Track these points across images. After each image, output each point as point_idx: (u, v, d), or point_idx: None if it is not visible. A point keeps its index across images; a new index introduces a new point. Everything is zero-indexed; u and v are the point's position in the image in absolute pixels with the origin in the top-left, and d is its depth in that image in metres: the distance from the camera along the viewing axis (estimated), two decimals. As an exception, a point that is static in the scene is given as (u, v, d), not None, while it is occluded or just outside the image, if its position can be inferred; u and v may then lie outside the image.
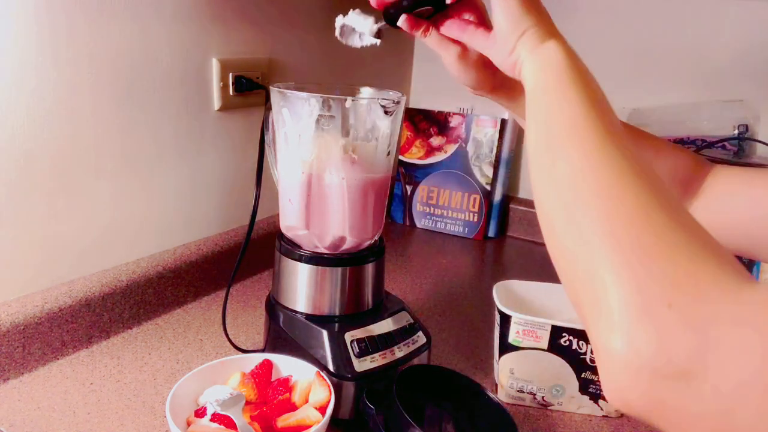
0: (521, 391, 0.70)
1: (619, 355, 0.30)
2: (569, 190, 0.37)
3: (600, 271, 0.32)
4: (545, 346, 0.68)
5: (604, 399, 0.69)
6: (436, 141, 1.34)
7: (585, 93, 0.42)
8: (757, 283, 0.29)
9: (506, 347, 0.69)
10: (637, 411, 0.30)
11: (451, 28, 0.54)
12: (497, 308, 0.70)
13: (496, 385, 0.73)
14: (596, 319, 0.32)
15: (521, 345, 0.68)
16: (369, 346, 0.65)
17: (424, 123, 1.35)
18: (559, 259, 0.37)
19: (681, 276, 0.29)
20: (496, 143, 1.27)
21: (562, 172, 0.38)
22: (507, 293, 0.75)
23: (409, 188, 1.38)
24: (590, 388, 0.69)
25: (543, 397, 0.70)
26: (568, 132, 0.39)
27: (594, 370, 0.68)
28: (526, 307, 0.75)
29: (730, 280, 0.29)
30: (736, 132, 1.00)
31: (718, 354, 0.27)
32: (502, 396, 0.71)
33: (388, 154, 0.68)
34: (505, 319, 0.69)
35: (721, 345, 0.27)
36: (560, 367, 0.68)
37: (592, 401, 0.69)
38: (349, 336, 0.65)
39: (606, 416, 0.70)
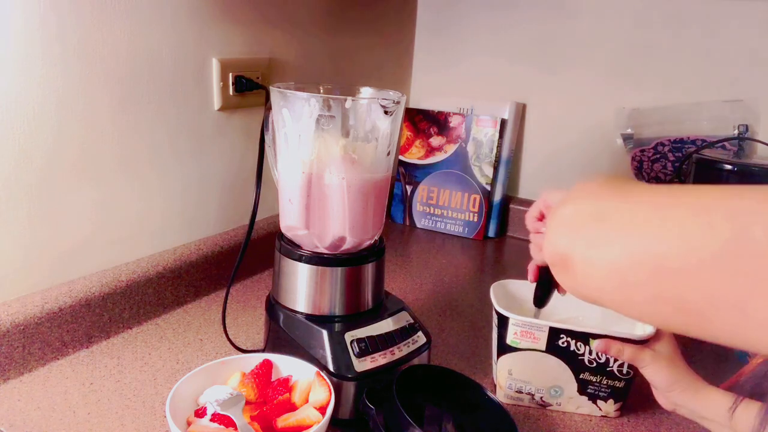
0: (519, 392, 0.70)
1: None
2: None
3: None
4: (543, 347, 0.67)
5: (603, 399, 0.69)
6: (436, 141, 1.34)
7: None
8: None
9: (504, 348, 0.69)
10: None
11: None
12: (495, 309, 0.70)
13: (495, 386, 0.73)
14: None
15: (519, 346, 0.68)
16: (369, 346, 0.65)
17: (424, 123, 1.35)
18: None
19: None
20: (496, 143, 1.27)
21: None
22: (504, 293, 0.75)
23: (409, 188, 1.38)
24: (589, 389, 0.69)
25: (542, 397, 0.70)
26: None
27: (592, 371, 0.68)
28: (523, 306, 0.75)
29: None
30: (736, 132, 1.00)
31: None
32: (500, 397, 0.71)
33: (388, 154, 0.68)
34: (503, 321, 0.69)
35: None
36: (558, 368, 0.68)
37: (590, 402, 0.69)
38: (349, 336, 0.65)
39: (605, 416, 0.70)
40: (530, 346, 0.68)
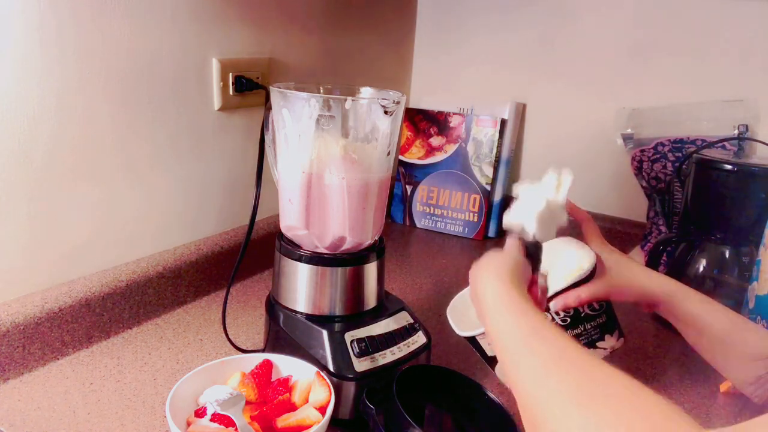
0: None
1: None
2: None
3: None
4: None
5: (599, 340, 0.69)
6: (436, 141, 1.34)
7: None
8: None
9: (491, 360, 0.69)
10: None
11: None
12: (458, 335, 0.69)
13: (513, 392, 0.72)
14: None
15: None
16: (369, 346, 0.65)
17: (424, 123, 1.35)
18: None
19: None
20: (496, 143, 1.27)
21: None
22: (460, 312, 0.73)
23: (409, 188, 1.38)
24: (582, 341, 0.69)
25: None
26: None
27: (572, 327, 0.68)
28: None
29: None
30: (736, 132, 1.00)
31: None
32: None
33: (388, 154, 0.68)
34: (471, 340, 0.68)
35: None
36: None
37: (592, 349, 0.70)
38: (349, 336, 0.65)
39: (613, 351, 0.70)
40: None
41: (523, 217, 0.59)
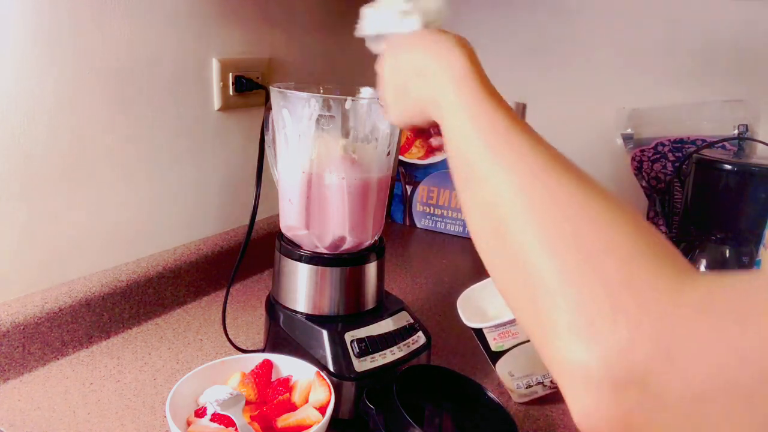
0: (530, 386, 0.70)
1: (573, 372, 0.29)
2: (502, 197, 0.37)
3: (542, 286, 0.31)
4: (525, 337, 0.67)
5: None
6: (436, 141, 1.33)
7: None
8: (695, 277, 0.28)
9: (494, 356, 0.69)
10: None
11: None
12: (466, 325, 0.69)
13: (509, 392, 0.72)
14: (546, 339, 0.31)
15: (505, 348, 0.68)
16: (369, 346, 0.65)
17: (424, 123, 1.35)
18: (500, 277, 0.37)
19: (620, 282, 0.29)
20: (496, 143, 1.27)
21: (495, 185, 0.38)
22: (471, 304, 0.74)
23: (409, 188, 1.38)
24: None
25: (551, 380, 0.70)
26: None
27: None
28: (493, 305, 0.74)
29: (668, 280, 0.28)
30: (736, 132, 1.00)
31: (671, 361, 0.26)
32: (516, 399, 0.71)
33: (388, 154, 0.68)
34: (479, 333, 0.68)
35: (670, 352, 0.26)
36: None
37: None
38: (349, 336, 0.65)
39: None
40: (514, 342, 0.67)
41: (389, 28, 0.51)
